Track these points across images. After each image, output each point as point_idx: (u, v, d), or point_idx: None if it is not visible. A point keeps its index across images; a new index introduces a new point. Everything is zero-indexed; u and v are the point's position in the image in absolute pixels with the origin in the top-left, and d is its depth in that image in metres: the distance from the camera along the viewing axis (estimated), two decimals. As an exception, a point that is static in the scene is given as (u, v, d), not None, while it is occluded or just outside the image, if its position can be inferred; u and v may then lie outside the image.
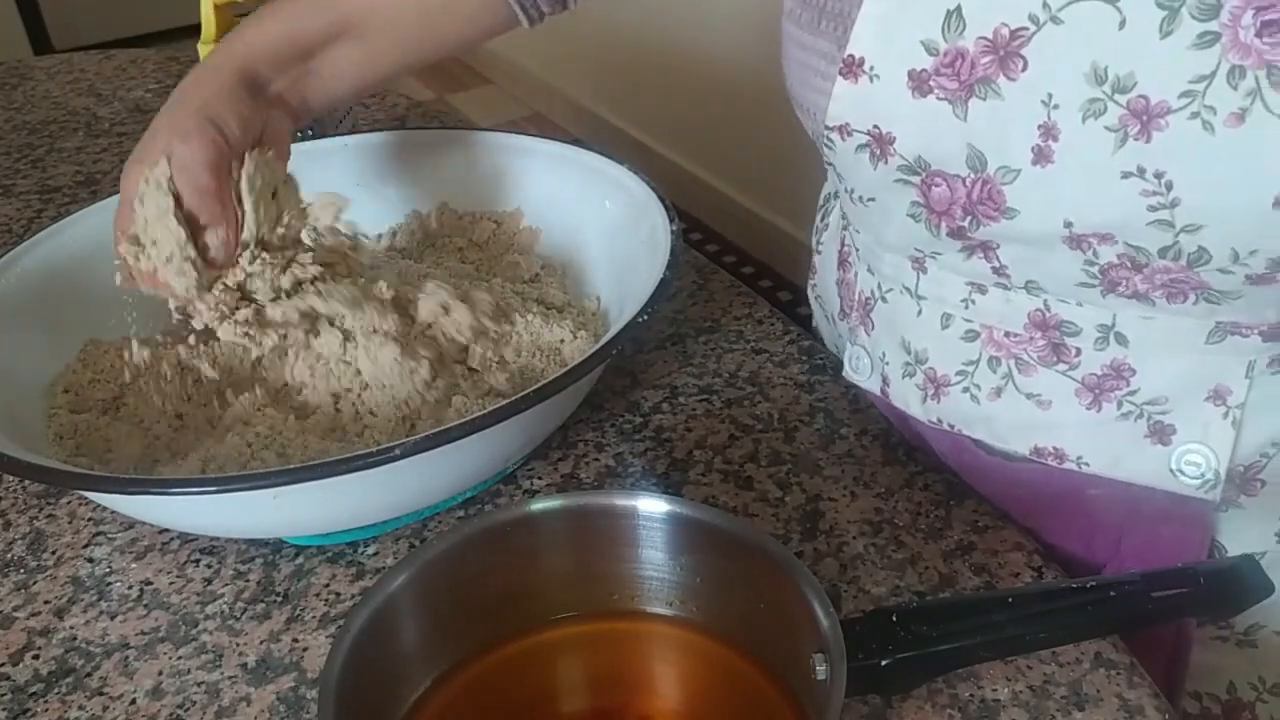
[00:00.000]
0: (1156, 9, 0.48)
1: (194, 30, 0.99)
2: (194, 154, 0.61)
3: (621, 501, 0.53)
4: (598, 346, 0.61)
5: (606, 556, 0.53)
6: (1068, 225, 0.53)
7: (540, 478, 0.69)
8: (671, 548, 0.53)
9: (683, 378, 0.77)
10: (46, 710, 0.56)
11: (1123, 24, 0.49)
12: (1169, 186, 0.50)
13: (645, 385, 0.76)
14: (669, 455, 0.70)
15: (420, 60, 0.74)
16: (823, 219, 0.79)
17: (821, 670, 0.45)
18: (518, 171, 0.84)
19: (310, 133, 0.97)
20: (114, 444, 0.66)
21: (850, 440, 0.71)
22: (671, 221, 0.70)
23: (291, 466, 0.54)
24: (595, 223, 0.79)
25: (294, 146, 0.84)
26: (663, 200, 0.73)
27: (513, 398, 0.57)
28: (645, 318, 0.62)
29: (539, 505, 0.53)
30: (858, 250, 0.69)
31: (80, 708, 0.56)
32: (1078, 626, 0.50)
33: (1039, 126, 0.52)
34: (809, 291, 0.82)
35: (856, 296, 0.70)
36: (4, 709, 0.56)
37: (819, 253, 0.79)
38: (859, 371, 0.71)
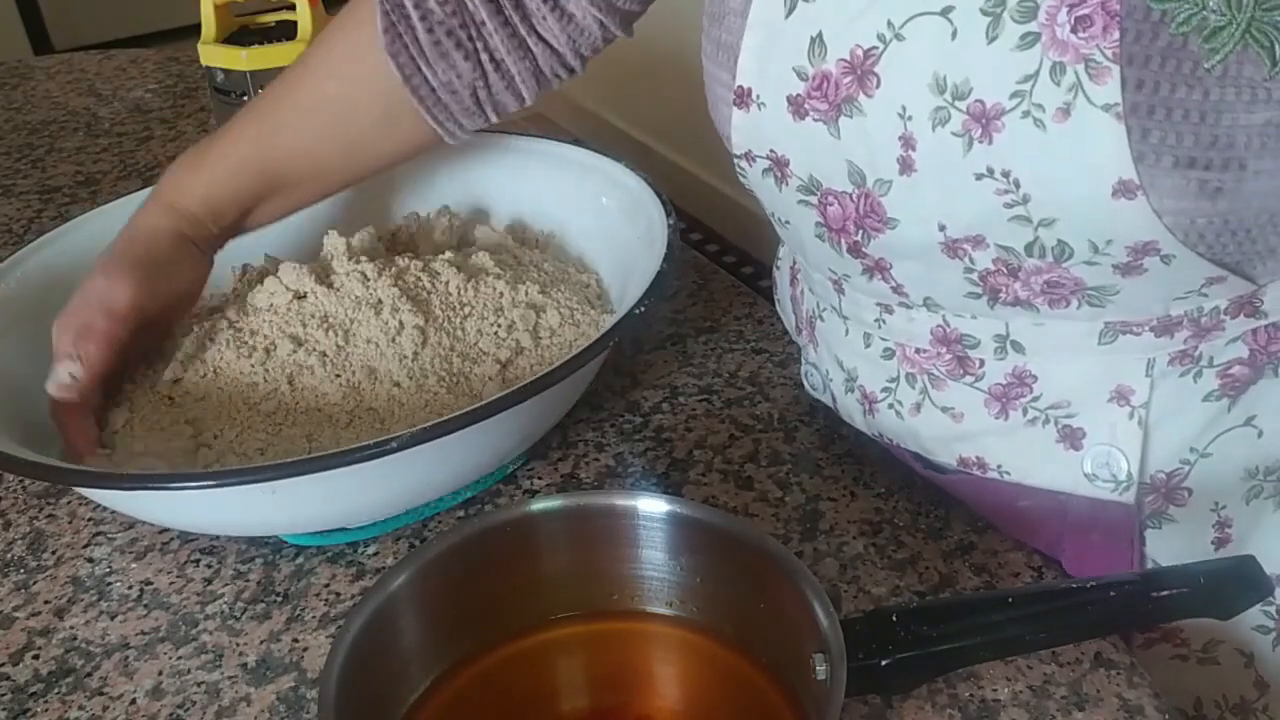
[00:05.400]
0: (981, 16, 0.50)
1: (194, 30, 0.99)
2: (114, 297, 0.65)
3: (621, 501, 0.53)
4: (594, 340, 0.61)
5: (606, 556, 0.53)
6: (942, 229, 0.55)
7: (540, 478, 0.69)
8: (671, 548, 0.53)
9: (683, 378, 0.77)
10: (46, 710, 0.56)
11: (955, 34, 0.50)
12: (1017, 184, 0.51)
13: (645, 385, 0.76)
14: (669, 455, 0.70)
15: (345, 186, 0.77)
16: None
17: (821, 670, 0.45)
18: (516, 171, 0.84)
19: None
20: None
21: (850, 440, 0.70)
22: (668, 216, 0.70)
23: (288, 460, 0.54)
24: (593, 220, 0.79)
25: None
26: (659, 195, 0.73)
27: (509, 390, 0.57)
28: (642, 309, 0.62)
29: (539, 505, 0.53)
30: (801, 270, 0.71)
31: (80, 708, 0.56)
32: (1078, 626, 0.49)
33: (899, 138, 0.53)
34: (776, 306, 0.83)
35: (804, 314, 0.72)
36: (4, 709, 0.56)
37: (778, 269, 0.79)
38: (815, 388, 0.72)
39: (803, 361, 0.73)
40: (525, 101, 0.72)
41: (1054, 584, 0.59)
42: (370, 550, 0.64)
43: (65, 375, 0.63)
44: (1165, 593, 0.47)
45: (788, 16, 0.55)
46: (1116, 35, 0.47)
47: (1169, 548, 0.62)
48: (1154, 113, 0.48)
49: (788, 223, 0.63)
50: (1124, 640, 0.57)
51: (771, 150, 0.59)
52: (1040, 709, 0.53)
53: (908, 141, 0.53)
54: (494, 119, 0.73)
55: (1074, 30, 0.48)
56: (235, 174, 0.70)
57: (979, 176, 0.52)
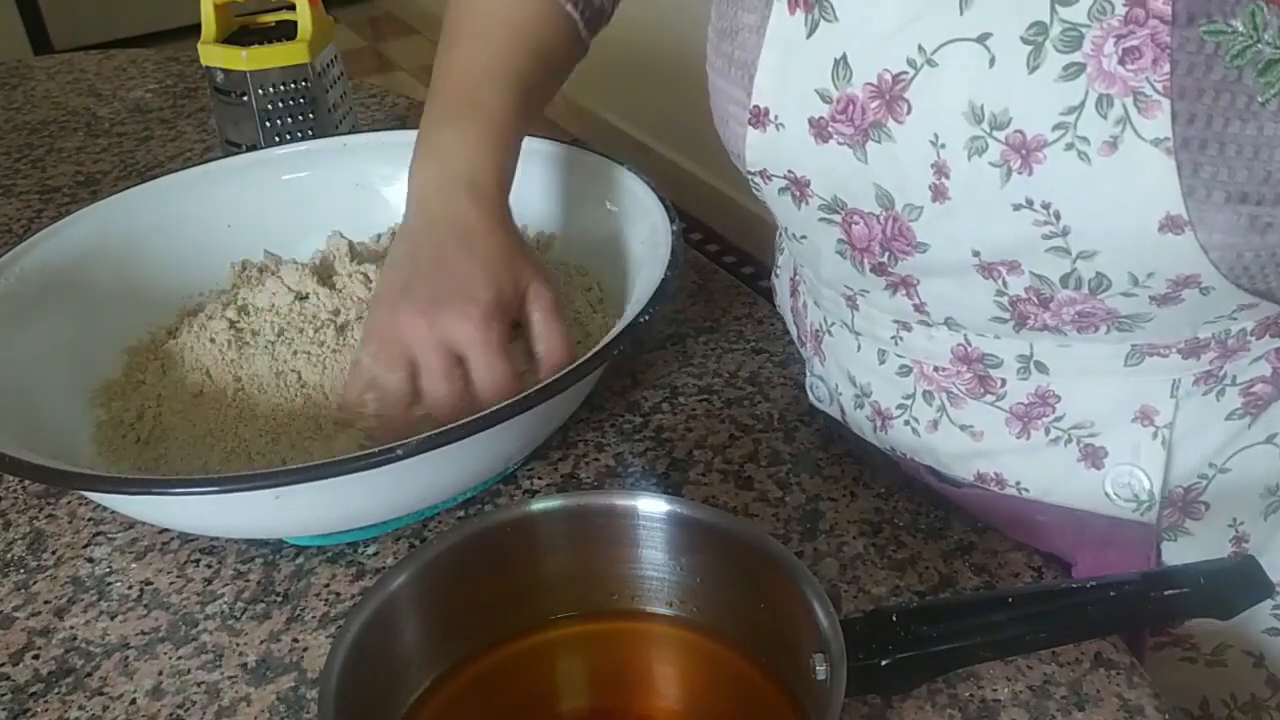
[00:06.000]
0: (1022, 44, 0.49)
1: (194, 30, 0.99)
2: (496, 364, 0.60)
3: (621, 501, 0.53)
4: (598, 348, 0.61)
5: (606, 556, 0.53)
6: (976, 254, 0.54)
7: (540, 478, 0.69)
8: (671, 548, 0.52)
9: (683, 378, 0.77)
10: (46, 710, 0.56)
11: (993, 62, 0.49)
12: (1057, 216, 0.50)
13: (645, 385, 0.76)
14: (669, 455, 0.70)
15: None
16: (779, 243, 0.79)
17: (821, 670, 0.45)
18: (520, 172, 0.84)
19: (311, 133, 0.97)
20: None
21: (850, 440, 0.70)
22: (672, 222, 0.70)
23: (292, 467, 0.54)
24: (596, 223, 0.79)
25: (293, 146, 0.85)
26: (663, 200, 0.73)
27: (515, 398, 0.57)
28: (646, 318, 0.62)
29: (539, 505, 0.53)
30: (805, 283, 0.70)
31: (80, 708, 0.56)
32: (1078, 626, 0.50)
33: (931, 165, 0.52)
34: (778, 310, 0.83)
35: (808, 327, 0.71)
36: (4, 709, 0.56)
37: (776, 278, 0.79)
38: (821, 400, 0.72)
39: (808, 374, 0.73)
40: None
41: (1054, 584, 0.59)
42: (370, 550, 0.64)
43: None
44: (1166, 593, 0.47)
45: (809, 36, 0.54)
46: (1167, 68, 0.46)
47: (1184, 560, 0.62)
48: (1206, 148, 0.47)
49: (804, 238, 0.62)
50: (1126, 641, 0.57)
51: (790, 171, 0.58)
52: (1040, 709, 0.53)
53: (940, 169, 0.52)
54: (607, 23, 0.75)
55: (1122, 62, 0.47)
56: (510, 141, 0.67)
57: (1017, 207, 0.51)
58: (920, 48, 0.51)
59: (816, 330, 0.69)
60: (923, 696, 0.53)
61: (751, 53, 0.56)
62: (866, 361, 0.65)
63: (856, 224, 0.57)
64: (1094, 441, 0.59)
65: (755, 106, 0.57)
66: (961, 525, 0.64)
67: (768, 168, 0.59)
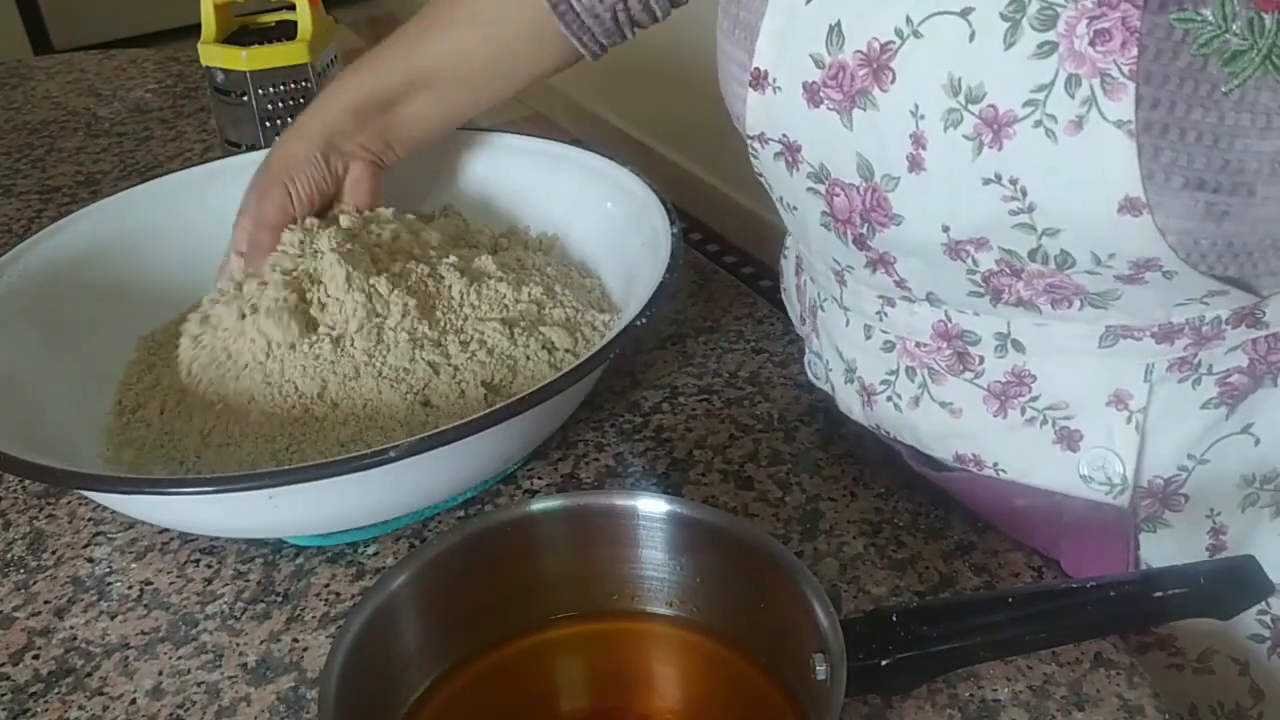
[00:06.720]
0: (1001, 20, 0.49)
1: (194, 30, 0.99)
2: (264, 211, 0.72)
3: (621, 501, 0.53)
4: (597, 349, 0.61)
5: (606, 556, 0.53)
6: (945, 230, 0.55)
7: (540, 478, 0.69)
8: (671, 548, 0.53)
9: (683, 378, 0.77)
10: (46, 710, 0.56)
11: (972, 36, 0.50)
12: (1024, 192, 0.51)
13: (645, 385, 0.76)
14: (669, 455, 0.70)
15: (494, 99, 0.79)
16: None
17: (821, 670, 0.45)
18: (519, 172, 0.84)
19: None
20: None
21: (850, 440, 0.70)
22: (672, 223, 0.70)
23: (288, 467, 0.54)
24: (596, 224, 0.79)
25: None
26: (663, 201, 0.73)
27: (510, 399, 0.57)
28: (644, 320, 0.62)
29: (539, 505, 0.53)
30: (803, 258, 0.71)
31: (80, 708, 0.56)
32: (1078, 626, 0.49)
33: (910, 135, 0.53)
34: (782, 296, 0.83)
35: (807, 303, 0.72)
36: (4, 709, 0.56)
37: (785, 258, 0.80)
38: (817, 377, 0.73)
39: (806, 350, 0.73)
40: (659, 18, 0.75)
41: (1054, 584, 0.59)
42: (370, 550, 0.64)
43: (237, 271, 0.72)
44: (1165, 593, 0.47)
45: (808, 3, 0.55)
46: (1135, 52, 0.47)
47: (1162, 552, 0.62)
48: (1167, 132, 0.47)
49: (795, 209, 0.63)
50: (1124, 640, 0.57)
51: (784, 135, 0.59)
52: (1040, 709, 0.53)
53: (918, 140, 0.53)
54: (631, 37, 0.76)
55: (1092, 43, 0.47)
56: (377, 72, 0.75)
57: (986, 181, 0.52)
58: (908, 18, 0.52)
59: (813, 306, 0.70)
60: (923, 696, 0.54)
61: (756, 15, 0.58)
62: (854, 337, 0.66)
63: (838, 195, 0.58)
64: (1069, 424, 0.60)
65: (756, 69, 0.58)
66: (961, 525, 0.64)
67: (765, 131, 0.60)
